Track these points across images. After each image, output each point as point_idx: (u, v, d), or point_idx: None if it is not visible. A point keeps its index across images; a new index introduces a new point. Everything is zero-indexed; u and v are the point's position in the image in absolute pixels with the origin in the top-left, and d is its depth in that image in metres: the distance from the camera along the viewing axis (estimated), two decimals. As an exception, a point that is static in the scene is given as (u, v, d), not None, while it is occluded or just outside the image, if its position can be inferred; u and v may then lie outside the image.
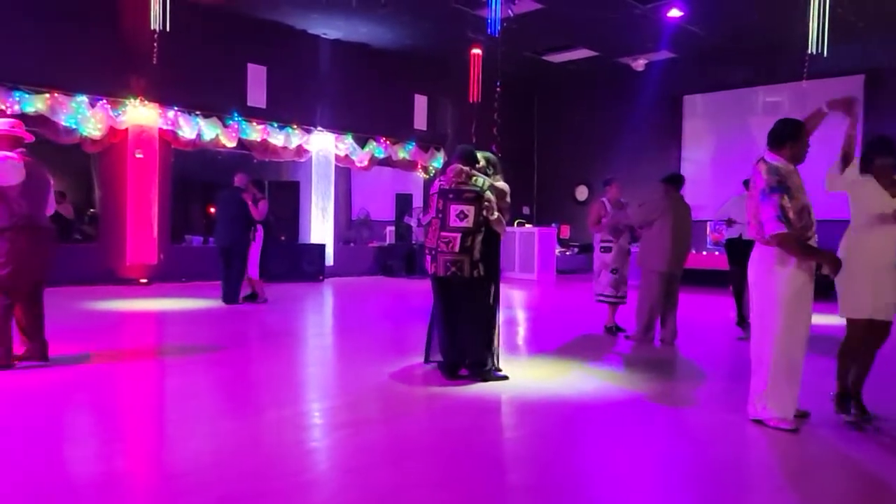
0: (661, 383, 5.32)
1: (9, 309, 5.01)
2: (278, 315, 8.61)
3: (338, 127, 13.70)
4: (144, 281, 11.22)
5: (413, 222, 14.70)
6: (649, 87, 15.04)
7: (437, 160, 15.26)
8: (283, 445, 3.67)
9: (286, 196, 12.79)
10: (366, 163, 14.15)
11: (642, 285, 6.86)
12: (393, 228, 15.14)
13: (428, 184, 15.23)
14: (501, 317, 5.32)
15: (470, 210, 4.89)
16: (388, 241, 15.16)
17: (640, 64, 14.54)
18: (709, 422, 4.26)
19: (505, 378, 5.06)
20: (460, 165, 5.00)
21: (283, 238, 12.66)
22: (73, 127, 10.48)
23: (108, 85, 10.82)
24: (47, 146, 10.67)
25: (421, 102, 15.25)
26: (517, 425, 4.19)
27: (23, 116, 9.91)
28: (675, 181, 7.04)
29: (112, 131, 10.91)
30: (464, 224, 4.88)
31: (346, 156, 13.88)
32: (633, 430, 4.09)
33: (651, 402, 4.70)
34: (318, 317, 9.26)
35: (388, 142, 14.36)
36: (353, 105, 13.91)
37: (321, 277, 12.88)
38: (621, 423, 4.22)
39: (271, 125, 12.68)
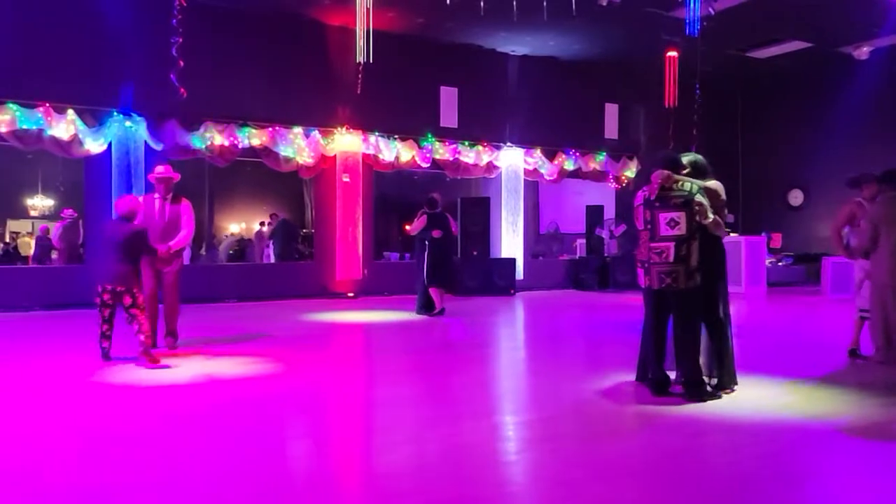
0: (906, 410, 4.62)
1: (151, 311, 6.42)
2: (474, 327, 8.79)
3: (526, 141, 13.79)
4: (351, 295, 12.07)
5: (605, 234, 14.31)
6: (875, 76, 13.35)
7: (630, 170, 14.78)
8: (488, 455, 3.70)
9: (477, 212, 13.11)
10: (555, 175, 14.09)
11: (873, 300, 6.01)
12: (583, 241, 14.86)
13: (620, 194, 14.79)
14: (730, 332, 4.91)
15: (681, 216, 4.62)
16: (578, 254, 14.91)
17: (863, 52, 13.02)
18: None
19: (720, 397, 4.71)
20: (664, 171, 4.75)
21: (475, 253, 12.96)
22: (291, 156, 11.61)
23: (319, 116, 11.88)
24: (270, 174, 12.01)
25: (612, 111, 14.89)
26: (733, 449, 3.84)
27: (250, 150, 11.28)
28: (893, 178, 5.84)
29: (322, 158, 11.93)
30: (675, 232, 4.62)
31: (535, 169, 13.93)
32: (869, 460, 3.58)
33: (889, 428, 4.10)
34: (511, 330, 9.32)
35: (577, 153, 14.20)
36: (542, 118, 13.93)
37: (512, 291, 12.98)
38: (853, 452, 3.71)
39: (462, 144, 13.10)
